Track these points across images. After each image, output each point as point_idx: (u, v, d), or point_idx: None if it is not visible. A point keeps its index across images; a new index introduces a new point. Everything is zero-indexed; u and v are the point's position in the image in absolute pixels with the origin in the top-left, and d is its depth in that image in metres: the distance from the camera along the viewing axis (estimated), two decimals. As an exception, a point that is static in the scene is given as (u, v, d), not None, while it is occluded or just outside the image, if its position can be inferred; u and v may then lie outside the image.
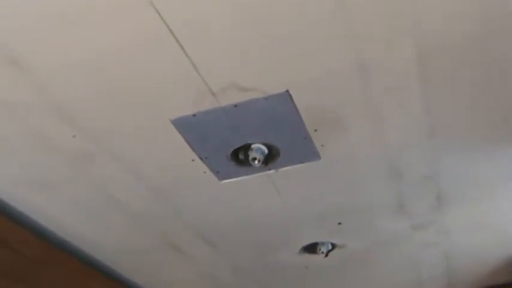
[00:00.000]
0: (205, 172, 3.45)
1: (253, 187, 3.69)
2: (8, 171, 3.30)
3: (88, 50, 2.53)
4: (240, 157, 3.30)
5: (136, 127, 3.02)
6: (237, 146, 3.24)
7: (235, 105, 2.87)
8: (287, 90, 2.83)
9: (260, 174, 3.51)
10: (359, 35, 2.57)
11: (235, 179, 3.59)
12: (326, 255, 4.68)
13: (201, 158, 3.30)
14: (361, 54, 2.68)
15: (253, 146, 3.22)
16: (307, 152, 3.32)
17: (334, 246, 4.72)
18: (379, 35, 2.59)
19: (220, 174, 3.47)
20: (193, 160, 3.31)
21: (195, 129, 3.03)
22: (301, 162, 3.45)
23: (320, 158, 3.42)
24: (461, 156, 3.62)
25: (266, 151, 3.25)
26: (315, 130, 3.16)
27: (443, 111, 3.17)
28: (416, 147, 3.47)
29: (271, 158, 3.34)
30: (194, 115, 2.91)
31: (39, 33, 2.41)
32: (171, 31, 2.44)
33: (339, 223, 4.35)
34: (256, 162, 3.21)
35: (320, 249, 4.65)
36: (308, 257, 4.88)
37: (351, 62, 2.73)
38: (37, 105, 2.82)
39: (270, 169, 3.47)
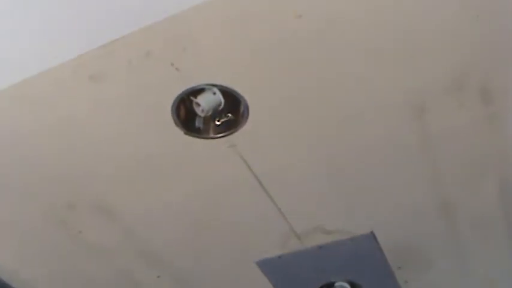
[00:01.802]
0: (288, 310, 3.40)
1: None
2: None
3: (175, 195, 2.58)
4: (323, 295, 3.25)
5: (221, 268, 3.04)
6: (320, 285, 3.19)
7: (320, 247, 2.87)
8: (372, 232, 2.81)
9: (343, 311, 3.43)
10: (443, 176, 2.56)
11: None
12: None
13: (284, 298, 3.27)
14: (446, 194, 2.66)
15: (336, 284, 3.18)
16: (390, 288, 3.26)
17: None
18: (463, 175, 2.57)
19: (302, 312, 3.42)
20: (276, 299, 3.28)
21: (279, 270, 3.03)
22: (385, 299, 3.37)
23: (403, 293, 3.33)
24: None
25: (349, 289, 3.21)
26: (399, 268, 3.12)
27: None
28: (501, 282, 3.36)
29: (354, 295, 3.28)
30: (279, 257, 2.91)
31: (131, 182, 2.48)
32: (257, 178, 2.47)
33: None
34: (340, 300, 3.17)
35: None
36: None
37: (435, 201, 2.72)
38: (124, 248, 2.86)
39: (352, 306, 3.40)
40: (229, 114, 2.26)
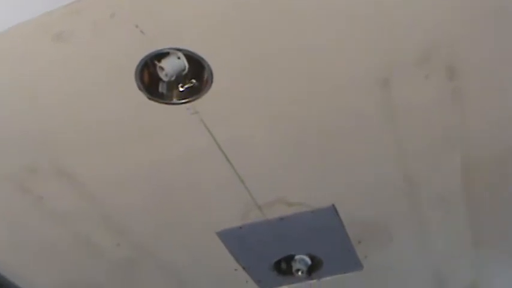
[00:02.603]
0: (247, 281, 3.43)
1: (294, 296, 3.64)
2: (51, 274, 3.30)
3: (138, 162, 2.58)
4: (283, 267, 3.28)
5: (182, 236, 3.04)
6: (280, 257, 3.21)
7: (281, 219, 2.89)
8: (333, 205, 2.83)
9: (302, 284, 3.46)
10: (406, 151, 2.58)
11: (276, 289, 3.54)
12: None
13: (243, 268, 3.29)
14: (408, 169, 2.69)
15: (296, 257, 3.21)
16: (350, 262, 3.31)
17: None
18: (426, 150, 2.60)
19: (262, 284, 3.45)
20: (236, 270, 3.30)
21: (240, 241, 3.04)
22: (344, 273, 3.42)
23: (363, 268, 3.36)
24: (507, 265, 3.55)
25: (309, 262, 3.24)
26: (359, 242, 3.15)
27: (488, 222, 3.13)
28: (461, 257, 3.42)
29: (314, 268, 3.32)
30: (240, 227, 2.92)
31: (92, 146, 2.47)
32: (220, 148, 2.47)
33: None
34: (299, 273, 3.19)
35: None
36: None
37: (398, 176, 2.74)
38: (85, 213, 2.84)
39: (312, 279, 3.43)
40: (193, 80, 2.24)
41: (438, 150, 2.61)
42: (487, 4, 2.03)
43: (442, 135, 2.55)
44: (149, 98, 2.27)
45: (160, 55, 2.13)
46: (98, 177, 2.63)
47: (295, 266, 3.20)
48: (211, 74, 2.18)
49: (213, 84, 2.22)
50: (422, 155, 2.64)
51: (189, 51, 2.11)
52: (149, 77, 2.23)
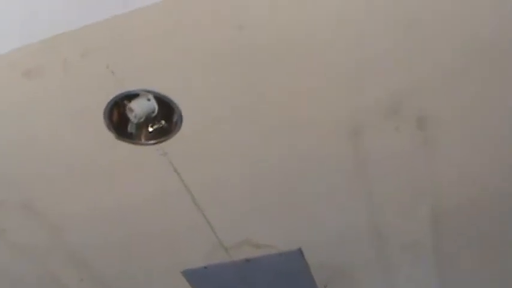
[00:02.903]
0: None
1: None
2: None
3: (105, 200, 2.57)
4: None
5: (147, 274, 3.01)
6: (246, 299, 3.20)
7: (247, 260, 2.87)
8: (299, 248, 2.82)
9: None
10: (376, 199, 2.59)
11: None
12: None
13: (208, 308, 3.25)
14: (378, 216, 2.70)
15: (262, 299, 3.19)
16: (315, 306, 3.27)
17: None
18: (396, 199, 2.62)
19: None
20: (200, 310, 3.26)
21: (205, 281, 3.02)
22: (309, 316, 3.38)
23: (328, 312, 3.35)
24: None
25: (274, 304, 3.21)
26: (325, 286, 3.13)
27: (455, 271, 3.14)
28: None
29: (278, 311, 3.28)
30: (205, 267, 2.90)
31: (59, 182, 2.45)
32: (188, 189, 2.46)
33: None
34: (263, 316, 3.17)
35: None
36: None
37: (366, 223, 2.75)
38: (48, 248, 2.81)
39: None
40: (163, 122, 2.24)
41: (407, 199, 2.63)
42: (454, 54, 2.05)
43: (412, 185, 2.56)
44: (117, 138, 2.26)
45: (131, 96, 2.12)
46: (63, 212, 2.60)
47: (260, 308, 3.18)
48: (180, 116, 2.18)
49: (183, 127, 2.22)
50: (392, 204, 2.65)
51: (158, 93, 2.10)
52: (118, 116, 2.22)
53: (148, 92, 2.11)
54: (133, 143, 2.28)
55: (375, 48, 2.02)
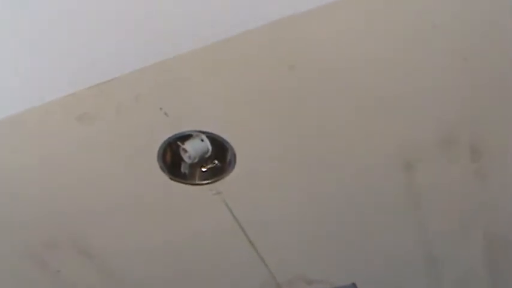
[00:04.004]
0: None
1: None
2: None
3: (158, 240, 2.58)
4: None
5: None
6: None
7: (301, 298, 2.84)
8: (353, 283, 2.79)
9: None
10: (429, 230, 2.56)
11: None
12: None
13: None
14: (431, 248, 2.66)
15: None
16: None
17: None
18: (449, 230, 2.58)
19: None
20: None
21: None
22: None
23: None
24: None
25: None
26: (379, 321, 3.08)
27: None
28: None
29: None
30: (259, 305, 2.88)
31: (113, 224, 2.48)
32: (241, 227, 2.45)
33: None
34: None
35: None
36: None
37: (420, 255, 2.71)
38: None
39: None
40: (216, 161, 2.24)
41: (461, 230, 2.59)
42: (506, 83, 2.02)
43: (465, 215, 2.53)
44: (171, 179, 2.26)
45: (184, 137, 2.13)
46: (117, 254, 2.61)
47: None
48: (234, 155, 2.18)
49: (236, 166, 2.21)
50: (445, 235, 2.61)
51: (212, 133, 2.11)
52: (172, 157, 2.23)
53: (202, 132, 2.11)
54: (187, 183, 2.28)
55: (427, 79, 2.00)
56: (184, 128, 2.12)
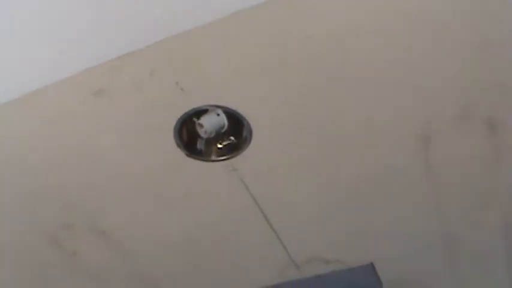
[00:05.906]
0: None
1: None
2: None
3: (175, 219, 2.59)
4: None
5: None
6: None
7: (318, 277, 2.83)
8: (371, 263, 2.77)
9: None
10: (446, 208, 2.54)
11: None
12: None
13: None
14: (448, 226, 2.64)
15: (333, 315, 3.13)
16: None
17: None
18: (466, 207, 2.56)
19: None
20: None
21: (276, 299, 2.97)
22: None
23: (400, 328, 3.27)
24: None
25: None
26: (396, 301, 3.06)
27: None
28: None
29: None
30: (277, 286, 2.86)
31: (129, 202, 2.48)
32: (258, 205, 2.44)
33: None
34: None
35: None
36: None
37: (437, 234, 2.69)
38: (117, 270, 2.81)
39: None
40: (232, 138, 2.23)
41: (478, 207, 2.56)
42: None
43: (482, 192, 2.50)
44: (187, 155, 2.25)
45: (200, 112, 2.12)
46: (132, 234, 2.61)
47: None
48: (250, 131, 2.16)
49: (252, 142, 2.19)
50: (462, 213, 2.59)
51: (228, 108, 2.09)
52: (188, 134, 2.22)
53: (218, 107, 2.10)
54: (203, 160, 2.27)
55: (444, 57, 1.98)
56: (200, 103, 2.09)
